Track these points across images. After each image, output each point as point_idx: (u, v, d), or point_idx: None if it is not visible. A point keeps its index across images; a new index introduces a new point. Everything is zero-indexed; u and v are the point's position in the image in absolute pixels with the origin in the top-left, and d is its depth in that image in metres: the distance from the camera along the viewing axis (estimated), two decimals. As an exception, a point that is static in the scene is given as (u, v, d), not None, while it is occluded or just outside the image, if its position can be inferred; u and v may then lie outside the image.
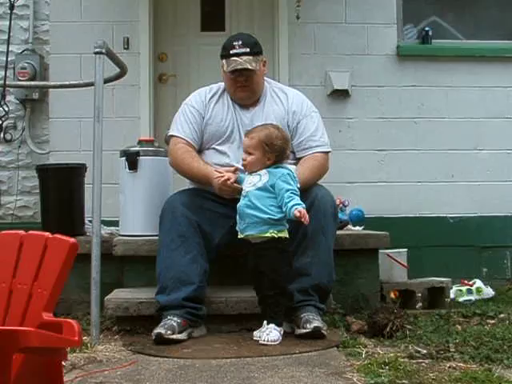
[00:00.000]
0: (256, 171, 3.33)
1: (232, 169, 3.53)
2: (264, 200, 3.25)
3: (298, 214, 3.12)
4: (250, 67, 3.62)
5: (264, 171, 3.30)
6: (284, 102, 3.77)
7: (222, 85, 3.81)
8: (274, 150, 3.30)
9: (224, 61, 3.67)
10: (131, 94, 5.33)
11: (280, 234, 3.25)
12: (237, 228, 3.33)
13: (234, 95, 3.73)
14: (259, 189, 3.27)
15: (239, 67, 3.62)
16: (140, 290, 3.73)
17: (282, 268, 3.28)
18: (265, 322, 3.24)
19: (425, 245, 5.16)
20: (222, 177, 3.44)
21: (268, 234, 3.24)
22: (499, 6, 5.78)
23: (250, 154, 3.33)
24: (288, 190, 3.21)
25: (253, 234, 3.26)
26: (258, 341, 3.19)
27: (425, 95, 5.47)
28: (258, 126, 3.43)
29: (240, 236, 3.30)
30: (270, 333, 3.19)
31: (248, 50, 3.64)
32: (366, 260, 4.05)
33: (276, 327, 3.21)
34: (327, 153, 3.78)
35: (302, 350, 3.07)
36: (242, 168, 3.45)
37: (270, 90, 3.81)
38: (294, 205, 3.16)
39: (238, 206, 3.30)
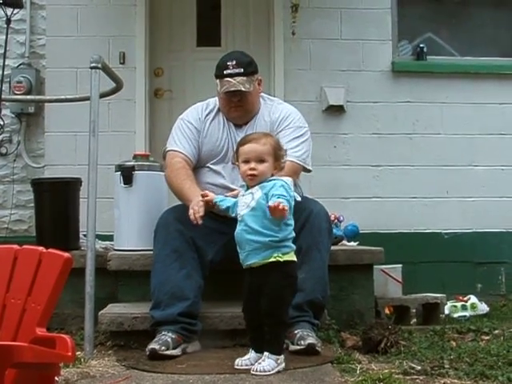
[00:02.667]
0: (253, 186, 3.01)
1: (236, 193, 3.30)
2: (261, 221, 2.95)
3: (271, 204, 2.83)
4: (243, 89, 3.60)
5: (256, 188, 3.00)
6: (272, 115, 3.75)
7: (218, 106, 3.80)
8: (281, 157, 3.06)
9: (218, 81, 3.66)
10: (127, 109, 5.34)
11: (286, 258, 2.97)
12: (240, 259, 3.02)
13: (228, 115, 3.72)
14: (253, 209, 2.97)
15: (232, 89, 3.60)
16: (134, 305, 3.72)
17: (286, 296, 3.01)
18: (251, 350, 3.01)
19: (419, 260, 5.17)
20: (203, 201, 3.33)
21: (272, 259, 2.95)
22: (493, 23, 5.82)
23: (262, 161, 2.99)
24: (278, 196, 2.89)
25: (256, 261, 2.96)
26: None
27: (419, 111, 5.49)
28: (256, 134, 3.20)
29: (244, 266, 3.01)
30: (262, 361, 2.89)
31: (242, 70, 3.62)
32: (360, 276, 4.05)
33: (271, 355, 2.91)
34: (299, 166, 3.70)
35: (296, 365, 3.05)
36: (241, 189, 3.14)
37: (265, 106, 3.81)
38: (274, 194, 2.89)
39: (235, 233, 3.01)
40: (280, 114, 3.77)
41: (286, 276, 2.99)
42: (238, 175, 3.41)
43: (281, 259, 2.96)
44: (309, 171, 3.80)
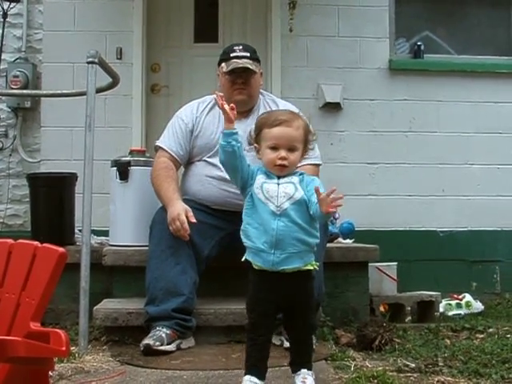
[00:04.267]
0: (285, 176, 2.59)
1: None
2: (307, 218, 2.55)
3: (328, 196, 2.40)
4: (250, 67, 3.66)
5: (296, 178, 2.60)
6: None
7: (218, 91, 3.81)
8: (309, 143, 2.65)
9: (223, 63, 3.73)
10: (123, 104, 5.33)
11: (316, 264, 2.65)
12: (258, 262, 2.56)
13: (231, 98, 3.70)
14: (298, 203, 2.54)
15: (240, 65, 3.65)
16: (129, 301, 3.72)
17: (313, 301, 2.71)
18: (251, 379, 2.56)
19: (415, 258, 5.17)
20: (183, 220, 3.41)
21: (310, 267, 2.60)
22: (490, 22, 5.82)
23: (293, 150, 2.57)
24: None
25: (297, 266, 2.55)
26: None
27: (416, 109, 5.49)
28: (285, 112, 2.69)
29: (272, 269, 2.54)
30: (305, 380, 2.56)
31: (248, 54, 3.71)
32: (355, 273, 4.05)
33: (309, 371, 2.60)
34: (318, 165, 3.78)
35: (290, 362, 3.05)
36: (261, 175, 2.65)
37: (264, 101, 3.83)
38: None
39: (272, 229, 2.51)
40: None
41: (313, 280, 2.66)
42: None
43: (317, 267, 2.65)
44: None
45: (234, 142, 2.56)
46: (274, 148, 2.56)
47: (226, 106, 2.58)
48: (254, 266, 2.58)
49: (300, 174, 2.61)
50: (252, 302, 2.63)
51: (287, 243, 2.52)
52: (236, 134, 2.57)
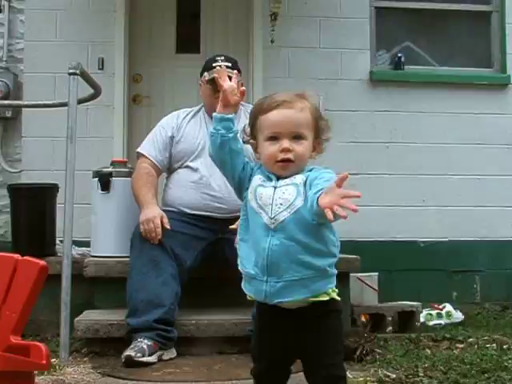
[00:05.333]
0: (286, 177, 1.99)
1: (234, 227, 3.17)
2: (313, 232, 1.94)
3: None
4: (231, 75, 3.67)
5: (300, 177, 1.97)
6: None
7: (200, 106, 3.89)
8: (323, 131, 2.08)
9: (206, 72, 3.80)
10: (105, 115, 5.32)
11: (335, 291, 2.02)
12: (250, 292, 2.03)
13: (212, 107, 3.74)
14: (298, 212, 1.94)
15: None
16: (111, 312, 3.71)
17: (339, 345, 2.04)
18: None
19: (396, 269, 5.19)
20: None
21: (325, 298, 1.97)
22: (470, 34, 5.88)
23: (299, 138, 1.99)
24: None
25: (299, 299, 1.94)
26: (227, 364, 3.15)
27: (397, 120, 5.53)
28: (284, 93, 2.07)
29: (266, 302, 1.98)
30: None
31: (230, 64, 3.77)
32: (336, 283, 4.04)
33: None
34: None
35: (272, 373, 3.06)
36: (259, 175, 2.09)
37: (245, 111, 3.87)
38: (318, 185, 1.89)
39: (261, 248, 1.95)
40: None
41: (337, 314, 2.03)
42: (215, 170, 3.45)
43: (337, 297, 2.02)
44: None
45: (223, 131, 2.04)
46: (274, 138, 1.98)
47: (228, 84, 2.11)
48: (248, 298, 2.05)
49: (309, 171, 1.99)
50: (254, 345, 2.10)
51: (284, 267, 1.92)
52: (228, 120, 2.05)
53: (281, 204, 1.96)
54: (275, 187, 1.99)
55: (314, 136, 2.04)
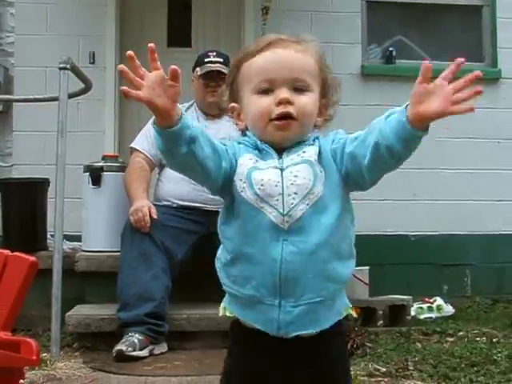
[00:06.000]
0: (292, 149, 1.47)
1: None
2: (339, 224, 1.47)
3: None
4: (223, 70, 3.76)
5: (313, 149, 1.48)
6: None
7: (192, 101, 3.91)
8: (331, 89, 1.58)
9: (198, 67, 3.86)
10: (96, 109, 5.31)
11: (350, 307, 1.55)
12: (253, 322, 1.44)
13: (204, 101, 3.83)
14: (325, 200, 1.44)
15: (212, 68, 3.79)
16: (102, 306, 3.72)
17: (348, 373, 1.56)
18: None
19: (386, 262, 5.20)
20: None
21: (343, 314, 1.52)
22: (462, 28, 5.89)
23: (302, 90, 1.48)
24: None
25: (329, 325, 1.46)
26: (219, 358, 3.17)
27: (389, 114, 5.53)
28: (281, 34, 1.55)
29: (279, 336, 1.42)
30: None
31: (222, 60, 3.83)
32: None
33: None
34: None
35: (262, 367, 3.07)
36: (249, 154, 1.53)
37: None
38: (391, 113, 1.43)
39: (269, 259, 1.40)
40: None
41: (344, 338, 1.67)
42: None
43: (352, 311, 1.57)
44: None
45: (174, 148, 1.38)
46: (266, 92, 1.45)
47: (146, 82, 1.40)
48: (239, 327, 1.49)
49: (315, 139, 1.50)
50: None
51: (305, 284, 1.40)
52: (171, 131, 1.36)
53: (295, 193, 1.40)
54: (282, 169, 1.42)
55: (319, 92, 1.48)
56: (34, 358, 1.89)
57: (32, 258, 2.04)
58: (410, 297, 4.49)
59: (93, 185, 4.00)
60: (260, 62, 1.48)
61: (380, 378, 2.97)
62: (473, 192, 5.54)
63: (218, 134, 3.72)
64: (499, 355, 3.28)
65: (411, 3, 5.76)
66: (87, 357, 3.34)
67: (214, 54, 3.89)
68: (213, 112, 3.86)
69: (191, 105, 3.95)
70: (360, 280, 4.46)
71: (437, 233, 5.45)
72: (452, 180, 5.54)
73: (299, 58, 1.48)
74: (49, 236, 4.24)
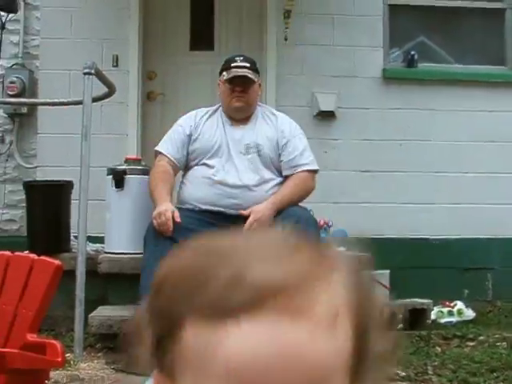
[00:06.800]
0: None
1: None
2: None
3: None
4: (249, 75, 3.79)
5: None
6: (274, 122, 3.91)
7: (218, 106, 3.93)
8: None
9: (224, 72, 3.86)
10: (119, 112, 5.36)
11: None
12: None
13: (230, 106, 3.85)
14: None
15: (239, 74, 3.79)
16: (124, 308, 3.76)
17: None
18: None
19: (407, 266, 5.20)
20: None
21: None
22: (484, 31, 5.87)
23: None
24: None
25: None
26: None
27: (410, 118, 5.54)
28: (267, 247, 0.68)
29: None
30: None
31: (248, 64, 3.84)
32: (348, 281, 4.09)
33: None
34: (314, 171, 3.88)
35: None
36: None
37: (262, 111, 3.94)
38: None
39: None
40: (287, 126, 3.93)
41: None
42: (231, 167, 3.56)
43: None
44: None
45: None
46: None
47: None
48: None
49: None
50: None
51: None
52: None
53: None
54: None
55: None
56: (59, 359, 1.94)
57: (57, 262, 2.09)
58: (431, 300, 4.50)
59: (116, 187, 4.05)
60: (235, 356, 0.60)
61: (399, 383, 2.98)
62: (495, 196, 5.52)
63: (243, 140, 3.78)
64: (519, 361, 3.28)
65: (433, 6, 5.75)
66: (110, 357, 3.38)
67: (241, 58, 3.90)
68: (238, 117, 3.88)
69: (216, 109, 3.95)
70: (380, 284, 4.47)
71: (458, 236, 5.44)
72: (474, 183, 5.52)
73: (321, 349, 0.60)
74: (72, 238, 4.30)
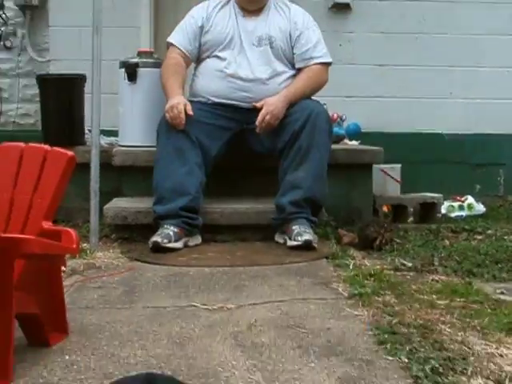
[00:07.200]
0: None
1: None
2: None
3: None
4: None
5: None
6: (287, 13, 3.84)
7: None
8: None
9: None
10: (132, 4, 5.28)
11: None
12: None
13: None
14: None
15: None
16: (138, 200, 3.83)
17: None
18: None
19: (419, 161, 5.22)
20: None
21: None
22: None
23: None
24: None
25: None
26: (250, 251, 3.30)
27: (427, 10, 5.40)
28: None
29: None
30: None
31: None
32: (360, 175, 4.14)
33: None
34: (327, 64, 3.85)
35: (292, 260, 3.19)
36: None
37: (274, 2, 3.88)
38: None
39: None
40: (300, 17, 3.85)
41: None
42: (243, 60, 3.53)
43: None
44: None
45: None
46: None
47: None
48: None
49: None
50: None
51: None
52: None
53: None
54: None
55: None
56: (74, 246, 2.01)
57: (70, 153, 2.13)
58: (441, 195, 4.54)
59: (128, 81, 4.05)
60: None
61: (405, 273, 3.06)
62: (510, 91, 5.46)
63: (255, 31, 3.73)
64: (524, 253, 3.34)
65: None
66: (124, 247, 3.48)
67: None
68: (251, 8, 3.81)
69: (229, 0, 3.87)
70: (392, 177, 4.52)
71: (471, 132, 5.42)
72: (490, 78, 5.45)
73: None
74: (86, 131, 4.33)
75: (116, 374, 1.90)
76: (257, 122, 3.59)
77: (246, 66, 3.70)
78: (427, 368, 1.93)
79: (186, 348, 2.11)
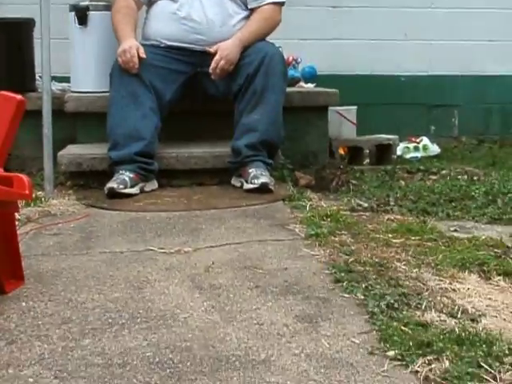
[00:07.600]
0: None
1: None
2: None
3: None
4: None
5: None
6: None
7: None
8: None
9: None
10: None
11: None
12: None
13: None
14: None
15: None
16: (93, 146, 3.78)
17: None
18: None
19: (375, 103, 5.23)
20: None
21: None
22: None
23: None
24: None
25: None
26: (206, 195, 3.30)
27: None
28: None
29: None
30: None
31: None
32: (315, 117, 4.15)
33: None
34: (280, 4, 3.79)
35: (248, 203, 3.20)
36: None
37: None
38: None
39: None
40: None
41: None
42: (195, 1, 3.49)
43: None
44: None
45: None
46: None
47: None
48: None
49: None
50: None
51: None
52: None
53: None
54: None
55: None
56: (27, 192, 1.98)
57: (19, 97, 2.07)
58: (397, 136, 4.57)
59: (79, 24, 3.95)
60: None
61: (362, 213, 3.09)
62: (464, 32, 5.46)
63: None
64: (477, 192, 3.40)
65: None
66: (80, 194, 3.44)
67: None
68: None
69: None
70: (347, 119, 4.52)
71: (426, 73, 5.44)
72: (444, 20, 5.45)
73: None
74: (37, 77, 4.23)
75: (73, 319, 1.90)
76: (210, 69, 3.55)
77: (198, 8, 3.63)
78: (383, 304, 1.96)
79: (143, 291, 2.11)
